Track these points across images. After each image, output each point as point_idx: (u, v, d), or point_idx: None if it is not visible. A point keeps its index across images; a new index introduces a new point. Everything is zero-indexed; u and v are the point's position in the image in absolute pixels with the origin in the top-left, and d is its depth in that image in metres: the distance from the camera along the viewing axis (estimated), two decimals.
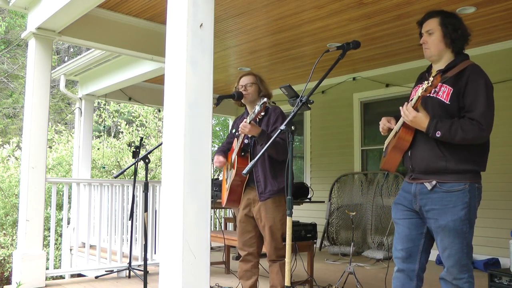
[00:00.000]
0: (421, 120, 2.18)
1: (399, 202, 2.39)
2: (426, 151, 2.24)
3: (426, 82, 2.08)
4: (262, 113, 2.88)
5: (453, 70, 2.27)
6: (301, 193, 4.97)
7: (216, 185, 4.98)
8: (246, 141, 3.11)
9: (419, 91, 2.13)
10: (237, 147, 3.12)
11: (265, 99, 2.75)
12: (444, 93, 2.23)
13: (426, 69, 2.48)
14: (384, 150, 2.51)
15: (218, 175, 9.24)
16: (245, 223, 3.16)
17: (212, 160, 3.07)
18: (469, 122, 2.13)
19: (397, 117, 2.43)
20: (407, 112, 2.21)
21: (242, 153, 3.10)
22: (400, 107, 2.27)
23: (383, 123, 2.47)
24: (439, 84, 2.25)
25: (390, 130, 2.47)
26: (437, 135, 2.14)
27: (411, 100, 2.27)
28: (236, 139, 3.23)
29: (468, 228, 2.17)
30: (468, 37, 2.37)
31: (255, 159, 2.29)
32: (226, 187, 3.24)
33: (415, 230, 2.31)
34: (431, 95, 2.27)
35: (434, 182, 2.20)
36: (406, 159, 2.35)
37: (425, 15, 2.40)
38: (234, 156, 3.15)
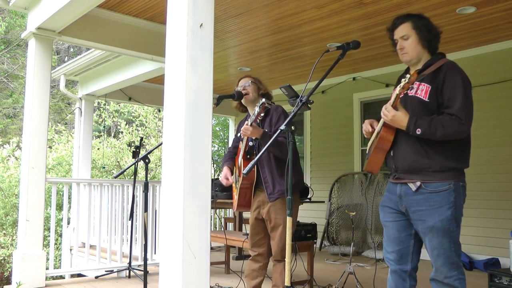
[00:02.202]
0: (401, 118, 2.18)
1: (386, 205, 2.40)
2: (409, 149, 2.24)
3: (403, 79, 2.09)
4: (262, 114, 2.88)
5: (430, 68, 2.28)
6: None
7: (216, 185, 4.98)
8: (250, 143, 3.11)
9: (397, 89, 2.14)
10: (242, 150, 3.12)
11: (264, 100, 2.75)
12: (423, 91, 2.24)
13: (404, 71, 2.51)
14: (367, 152, 2.51)
15: (218, 175, 9.24)
16: (254, 225, 3.16)
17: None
18: (448, 117, 2.14)
19: (379, 119, 2.44)
20: (386, 112, 2.22)
21: (248, 156, 3.10)
22: (383, 107, 2.28)
23: (366, 125, 2.47)
24: (417, 82, 2.26)
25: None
26: (417, 132, 2.14)
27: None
28: (241, 142, 3.23)
29: (455, 227, 2.18)
30: (439, 35, 2.37)
31: (254, 159, 2.29)
32: (235, 191, 3.24)
33: (404, 231, 2.32)
34: (410, 94, 2.28)
35: (418, 183, 2.21)
36: (389, 159, 2.35)
37: (394, 21, 2.40)
38: (240, 159, 3.15)
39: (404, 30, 2.34)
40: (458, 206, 2.18)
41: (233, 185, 3.35)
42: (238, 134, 3.35)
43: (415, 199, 2.22)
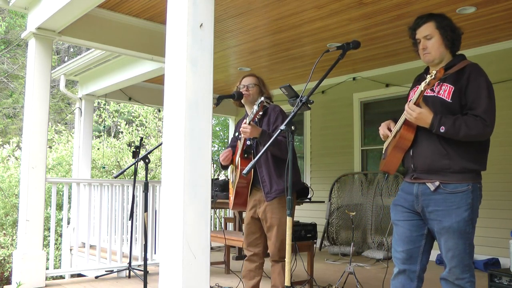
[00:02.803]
0: (425, 116, 2.16)
1: (399, 203, 2.38)
2: (429, 149, 2.22)
3: (429, 75, 2.05)
4: (261, 113, 2.87)
5: (453, 69, 2.26)
6: (301, 193, 4.97)
7: (216, 185, 4.98)
8: (248, 142, 3.11)
9: (421, 85, 2.10)
10: (239, 149, 3.11)
11: (262, 98, 2.73)
12: (446, 91, 2.22)
13: (424, 71, 2.48)
14: (383, 152, 2.48)
15: (218, 175, 9.24)
16: (250, 224, 3.16)
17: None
18: (473, 118, 2.12)
19: (395, 119, 2.41)
20: (410, 110, 2.18)
21: (245, 155, 3.09)
22: (406, 105, 2.24)
23: (383, 129, 2.44)
24: (440, 83, 2.24)
25: None
26: (441, 130, 2.12)
27: (411, 99, 2.25)
28: (239, 141, 3.22)
29: (471, 229, 2.17)
30: (461, 36, 2.35)
31: (255, 159, 2.29)
32: (232, 190, 3.23)
33: (415, 231, 2.30)
34: (432, 94, 2.26)
35: (437, 183, 2.19)
36: (408, 158, 2.32)
37: (417, 20, 2.38)
38: (237, 158, 3.14)
39: (428, 29, 2.31)
40: (475, 208, 2.18)
41: (230, 184, 3.34)
42: (236, 133, 3.34)
43: (433, 199, 2.20)
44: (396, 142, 2.30)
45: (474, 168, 2.19)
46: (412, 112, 2.18)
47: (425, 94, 2.23)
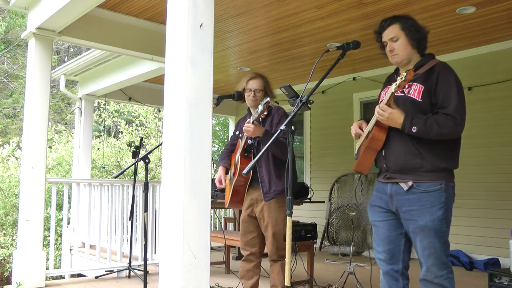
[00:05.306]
0: (397, 116, 2.17)
1: (376, 204, 2.39)
2: (401, 149, 2.24)
3: (399, 77, 2.07)
4: (266, 113, 2.86)
5: (422, 68, 2.29)
6: (301, 193, 4.98)
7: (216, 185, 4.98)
8: (249, 141, 3.11)
9: (392, 87, 2.12)
10: (240, 148, 3.12)
11: (268, 99, 2.74)
12: (416, 91, 2.24)
13: (394, 71, 2.50)
14: (356, 152, 2.51)
15: None
16: (247, 223, 3.16)
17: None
18: (444, 117, 2.14)
19: (367, 119, 2.43)
20: (382, 111, 2.20)
21: (245, 154, 3.09)
22: (377, 107, 2.26)
23: (355, 128, 2.46)
24: (409, 83, 2.25)
25: None
26: (413, 130, 2.14)
27: (382, 100, 2.26)
28: (240, 140, 3.22)
29: (445, 227, 2.19)
30: (427, 35, 2.37)
31: (255, 159, 2.29)
32: (229, 188, 3.23)
33: (394, 231, 2.32)
34: (403, 94, 2.27)
35: (410, 183, 2.21)
36: (380, 158, 2.34)
37: (382, 23, 2.41)
38: (237, 156, 3.14)
39: (393, 31, 2.34)
40: (449, 206, 2.20)
41: (227, 181, 3.34)
42: (237, 132, 3.34)
43: (406, 199, 2.22)
44: (368, 143, 2.32)
45: (446, 166, 2.21)
46: (384, 112, 2.19)
47: (395, 94, 2.25)
